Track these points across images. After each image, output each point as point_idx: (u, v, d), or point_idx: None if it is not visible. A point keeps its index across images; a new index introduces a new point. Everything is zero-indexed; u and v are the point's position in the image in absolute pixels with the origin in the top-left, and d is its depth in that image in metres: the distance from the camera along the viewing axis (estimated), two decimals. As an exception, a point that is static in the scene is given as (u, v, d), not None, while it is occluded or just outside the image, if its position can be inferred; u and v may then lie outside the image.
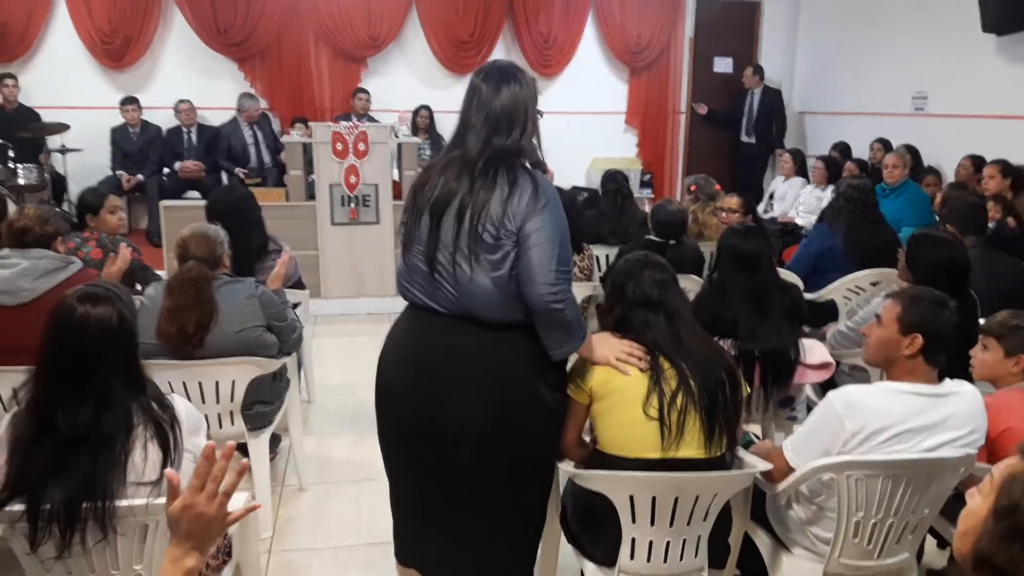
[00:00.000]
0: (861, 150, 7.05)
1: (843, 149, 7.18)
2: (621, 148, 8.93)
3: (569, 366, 2.18)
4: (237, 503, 2.16)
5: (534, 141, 2.06)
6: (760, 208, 7.27)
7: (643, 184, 8.53)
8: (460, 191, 1.97)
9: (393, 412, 2.12)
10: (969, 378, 2.36)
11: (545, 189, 1.99)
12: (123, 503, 1.74)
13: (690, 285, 3.77)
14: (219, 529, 1.38)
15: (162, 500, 1.76)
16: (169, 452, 1.80)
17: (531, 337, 2.02)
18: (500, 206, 1.94)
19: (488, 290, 1.97)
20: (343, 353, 4.95)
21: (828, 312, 3.89)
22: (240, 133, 7.43)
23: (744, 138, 8.57)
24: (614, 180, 5.14)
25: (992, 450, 2.11)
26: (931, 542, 2.65)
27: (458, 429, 2.02)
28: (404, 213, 2.11)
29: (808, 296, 3.73)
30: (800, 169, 7.09)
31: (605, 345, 2.10)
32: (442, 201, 1.98)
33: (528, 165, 2.04)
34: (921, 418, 1.99)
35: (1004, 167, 5.12)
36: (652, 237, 4.22)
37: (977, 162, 5.59)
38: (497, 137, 1.98)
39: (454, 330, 2.02)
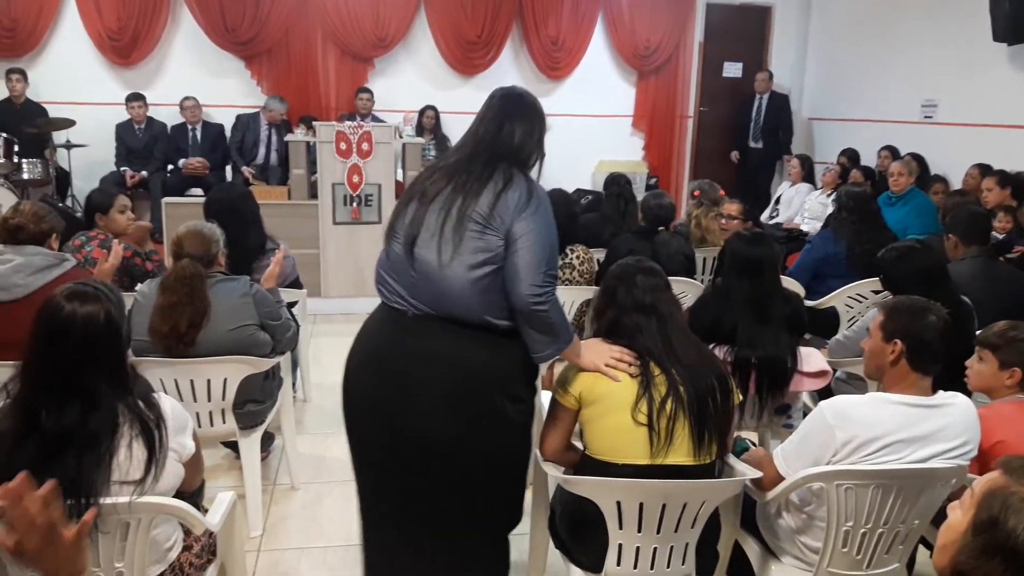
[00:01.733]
0: (869, 157, 7.02)
1: (851, 156, 7.15)
2: (627, 151, 8.91)
3: (558, 371, 2.16)
4: (223, 502, 2.17)
5: (535, 168, 2.12)
6: (766, 214, 7.25)
7: (648, 188, 8.50)
8: (453, 183, 2.00)
9: (354, 414, 2.12)
10: (966, 388, 2.34)
11: (538, 193, 2.00)
12: (106, 501, 1.73)
13: (685, 288, 3.76)
14: (68, 553, 1.32)
15: (146, 499, 1.76)
16: (154, 451, 1.79)
17: (499, 343, 2.01)
18: (492, 196, 1.95)
19: (460, 282, 1.95)
20: (342, 352, 4.87)
21: (829, 319, 3.87)
22: (257, 128, 7.45)
23: (751, 143, 8.54)
24: (616, 183, 5.12)
25: (984, 462, 2.07)
26: (923, 552, 2.62)
27: (419, 436, 2.00)
28: (397, 204, 2.13)
29: (809, 303, 3.71)
30: (807, 175, 7.06)
31: (594, 351, 2.08)
32: (434, 189, 2.01)
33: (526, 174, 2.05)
34: (913, 429, 1.97)
35: (1002, 178, 5.08)
36: (641, 224, 4.26)
37: (984, 171, 5.55)
38: (501, 147, 2.03)
39: (421, 331, 2.00)
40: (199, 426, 2.74)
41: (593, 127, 8.58)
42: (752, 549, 2.27)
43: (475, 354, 1.99)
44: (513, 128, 2.05)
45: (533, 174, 2.09)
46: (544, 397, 2.66)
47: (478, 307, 1.97)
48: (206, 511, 2.10)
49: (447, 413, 1.98)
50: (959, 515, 1.17)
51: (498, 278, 1.96)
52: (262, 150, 7.47)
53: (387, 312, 2.07)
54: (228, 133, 7.54)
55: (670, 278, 2.27)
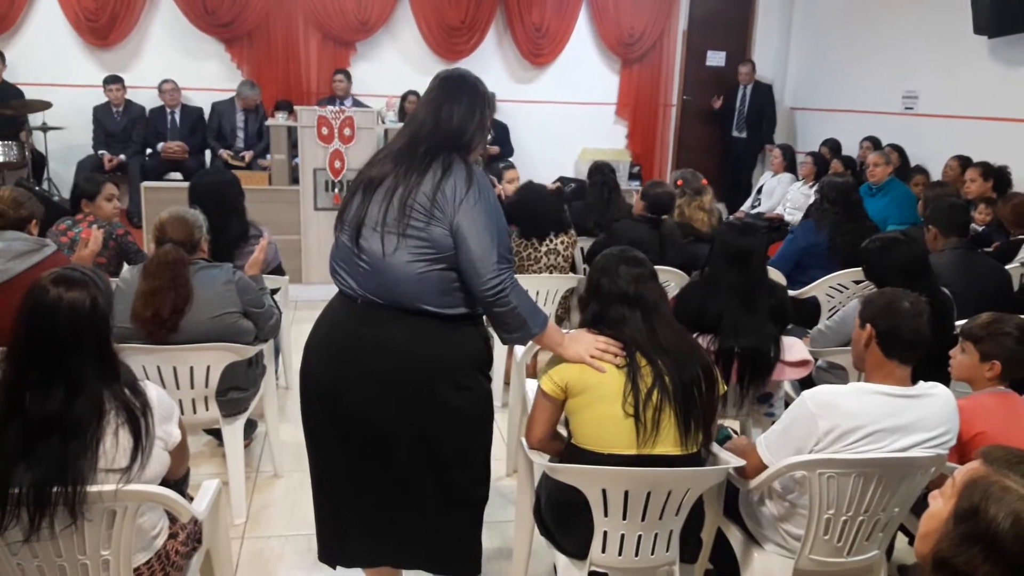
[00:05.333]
0: (851, 147, 7.06)
1: (833, 146, 7.19)
2: (611, 139, 8.91)
3: (543, 361, 2.17)
4: (209, 489, 2.16)
5: (479, 153, 2.13)
6: (748, 203, 7.29)
7: (632, 176, 8.51)
8: (395, 171, 2.01)
9: (306, 399, 2.14)
10: (946, 378, 2.37)
11: (478, 180, 2.00)
12: (92, 488, 1.71)
13: (668, 277, 3.77)
14: None
15: (132, 487, 1.75)
16: (140, 439, 1.78)
17: (446, 330, 2.02)
18: (432, 187, 1.96)
19: (406, 272, 1.97)
20: (325, 339, 4.91)
21: (810, 309, 3.90)
22: (233, 115, 7.37)
23: (734, 133, 8.57)
24: (601, 172, 5.13)
25: (964, 452, 2.12)
26: (902, 539, 2.66)
27: (361, 415, 2.03)
28: (346, 193, 2.15)
29: (791, 293, 3.74)
30: (789, 165, 7.10)
31: (578, 342, 2.08)
32: (376, 179, 2.02)
33: (468, 160, 2.05)
34: (893, 419, 2.00)
35: (985, 169, 5.14)
36: (645, 214, 4.27)
37: (964, 163, 5.61)
38: (440, 131, 2.03)
39: (368, 319, 2.03)
40: (182, 413, 2.71)
41: (576, 115, 8.57)
42: (735, 536, 2.30)
43: (417, 344, 2.01)
44: (452, 110, 2.04)
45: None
46: (530, 386, 2.67)
47: (422, 296, 1.99)
48: (191, 499, 2.09)
49: (380, 395, 2.02)
50: (940, 504, 1.19)
51: (443, 269, 1.98)
52: (241, 136, 7.39)
53: (340, 300, 2.11)
54: (207, 118, 7.46)
55: (668, 268, 2.27)
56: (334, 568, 2.26)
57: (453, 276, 2.00)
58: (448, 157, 2.00)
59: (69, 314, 1.72)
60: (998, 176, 5.12)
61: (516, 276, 2.05)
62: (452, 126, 2.03)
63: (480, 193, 1.97)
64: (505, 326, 2.03)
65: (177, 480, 2.08)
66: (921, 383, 2.08)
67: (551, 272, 4.16)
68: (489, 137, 2.20)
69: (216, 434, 3.35)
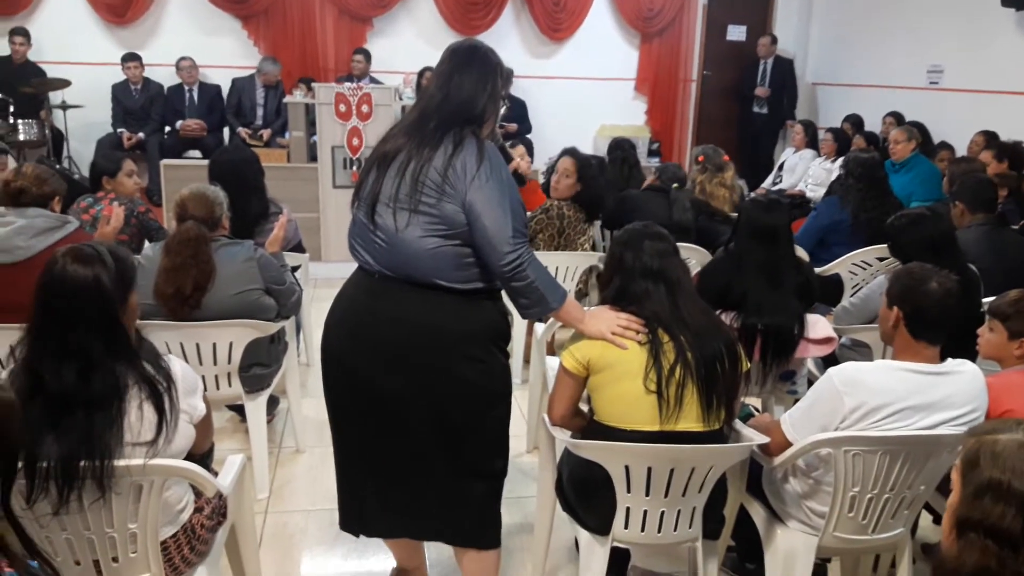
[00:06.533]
0: (874, 123, 6.96)
1: (855, 122, 7.09)
2: (630, 115, 8.82)
3: (560, 337, 2.16)
4: (234, 464, 2.18)
5: (492, 125, 2.10)
6: (769, 180, 7.21)
7: (651, 153, 8.43)
8: (407, 146, 2.00)
9: (327, 373, 2.16)
10: (974, 356, 2.34)
11: (489, 155, 1.98)
12: (120, 463, 1.73)
13: (689, 254, 3.75)
14: None
15: (158, 461, 1.76)
16: (164, 413, 1.79)
17: (459, 304, 2.02)
18: (443, 162, 1.95)
19: (418, 247, 1.97)
20: (344, 317, 4.93)
21: (833, 286, 3.87)
22: (253, 92, 7.37)
23: (755, 108, 8.46)
24: (621, 148, 5.09)
25: (992, 430, 2.09)
26: (926, 517, 2.65)
27: (374, 387, 2.05)
28: (362, 169, 2.15)
29: (815, 270, 3.71)
30: (811, 141, 7.00)
31: (600, 319, 2.07)
32: (389, 155, 2.02)
33: (480, 135, 2.04)
34: (920, 396, 1.97)
35: (999, 150, 5.05)
36: (656, 185, 4.43)
37: (990, 138, 5.50)
38: (450, 104, 2.01)
39: (383, 293, 2.04)
40: (205, 390, 2.73)
41: (595, 90, 8.48)
42: (758, 513, 2.29)
43: (429, 314, 2.01)
44: (462, 81, 2.01)
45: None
46: (551, 363, 2.66)
47: (436, 272, 1.99)
48: (215, 473, 2.11)
49: (394, 367, 2.03)
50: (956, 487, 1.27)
51: (457, 245, 1.98)
52: (260, 113, 7.39)
53: (358, 275, 2.13)
54: (225, 95, 7.45)
55: (689, 245, 2.26)
56: (356, 536, 2.28)
57: (467, 252, 1.99)
58: (460, 132, 1.98)
59: (73, 290, 1.73)
60: (1012, 154, 5.03)
61: (536, 253, 2.05)
62: (462, 97, 2.01)
63: (492, 168, 1.96)
64: (523, 300, 2.03)
65: (202, 454, 2.10)
66: (949, 360, 2.05)
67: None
68: (503, 110, 2.15)
69: (239, 410, 3.38)
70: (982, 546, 1.15)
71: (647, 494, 2.02)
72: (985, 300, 2.82)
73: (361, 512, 2.22)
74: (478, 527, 2.19)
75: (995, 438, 1.21)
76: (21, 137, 6.44)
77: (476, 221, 1.94)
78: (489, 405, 2.12)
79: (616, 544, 2.14)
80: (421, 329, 2.01)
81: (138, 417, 1.76)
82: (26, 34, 6.96)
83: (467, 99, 2.01)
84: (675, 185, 4.38)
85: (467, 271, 2.01)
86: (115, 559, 1.82)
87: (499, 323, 2.12)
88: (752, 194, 5.88)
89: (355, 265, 2.14)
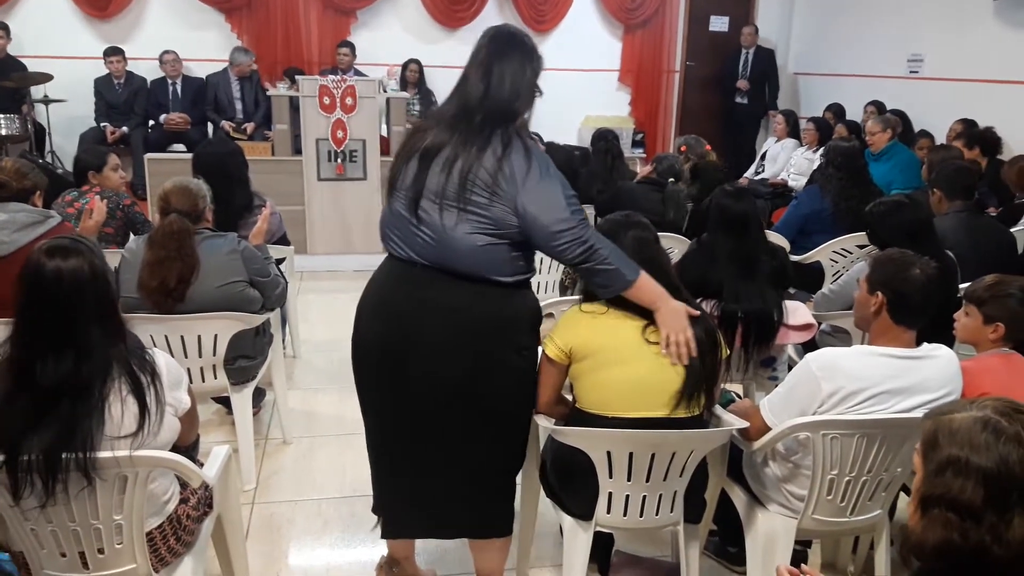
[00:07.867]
0: (855, 112, 7.00)
1: (837, 111, 7.13)
2: (614, 106, 8.85)
3: (548, 326, 2.18)
4: (219, 455, 2.19)
5: (526, 115, 2.06)
6: (751, 169, 7.25)
7: (635, 143, 8.46)
8: (452, 141, 1.97)
9: (365, 362, 2.13)
10: (950, 340, 2.38)
11: (536, 153, 1.98)
12: (105, 454, 1.73)
13: (671, 244, 3.78)
14: None
15: (143, 452, 1.77)
16: (147, 406, 1.80)
17: (506, 295, 2.03)
18: (493, 164, 1.93)
19: (468, 244, 1.96)
20: (329, 309, 4.95)
21: (814, 274, 3.91)
22: (228, 86, 7.33)
23: (737, 99, 8.50)
24: (604, 139, 5.11)
25: (967, 412, 2.12)
26: (904, 499, 2.69)
27: (428, 376, 2.04)
28: (395, 158, 2.11)
29: (795, 258, 3.74)
30: (793, 131, 7.04)
31: (679, 316, 2.03)
32: (433, 148, 1.98)
33: (523, 133, 2.02)
34: (897, 381, 2.01)
35: (968, 138, 5.11)
36: (652, 177, 4.43)
37: (969, 126, 5.56)
38: (494, 98, 1.97)
39: (429, 283, 2.02)
40: (191, 382, 2.74)
41: (579, 82, 8.47)
42: (739, 497, 2.32)
43: (481, 308, 2.01)
44: (503, 71, 1.98)
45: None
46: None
47: (485, 268, 1.99)
48: (201, 465, 2.12)
49: (452, 356, 2.01)
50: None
51: (506, 244, 1.98)
52: (239, 106, 7.35)
53: (395, 264, 2.09)
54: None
55: (670, 234, 2.28)
56: (383, 530, 2.27)
57: (516, 251, 2.00)
58: (506, 133, 1.96)
59: (72, 284, 1.72)
60: (982, 141, 5.09)
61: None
62: (505, 88, 1.97)
63: (540, 167, 1.95)
64: (598, 279, 2.01)
65: (187, 447, 2.11)
66: (925, 345, 2.09)
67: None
68: (538, 97, 2.08)
69: (225, 402, 3.38)
70: (944, 519, 1.18)
71: (629, 479, 2.05)
72: (962, 286, 2.86)
73: (392, 508, 2.22)
74: (503, 514, 2.22)
75: (951, 417, 1.24)
76: (3, 132, 6.39)
77: (534, 223, 1.93)
78: (530, 389, 2.16)
79: (599, 529, 2.17)
80: (472, 318, 2.01)
81: (120, 410, 1.76)
82: (6, 28, 6.89)
83: (510, 92, 1.98)
84: (671, 180, 4.38)
85: (514, 265, 2.02)
86: (101, 550, 1.83)
87: (537, 310, 2.14)
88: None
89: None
